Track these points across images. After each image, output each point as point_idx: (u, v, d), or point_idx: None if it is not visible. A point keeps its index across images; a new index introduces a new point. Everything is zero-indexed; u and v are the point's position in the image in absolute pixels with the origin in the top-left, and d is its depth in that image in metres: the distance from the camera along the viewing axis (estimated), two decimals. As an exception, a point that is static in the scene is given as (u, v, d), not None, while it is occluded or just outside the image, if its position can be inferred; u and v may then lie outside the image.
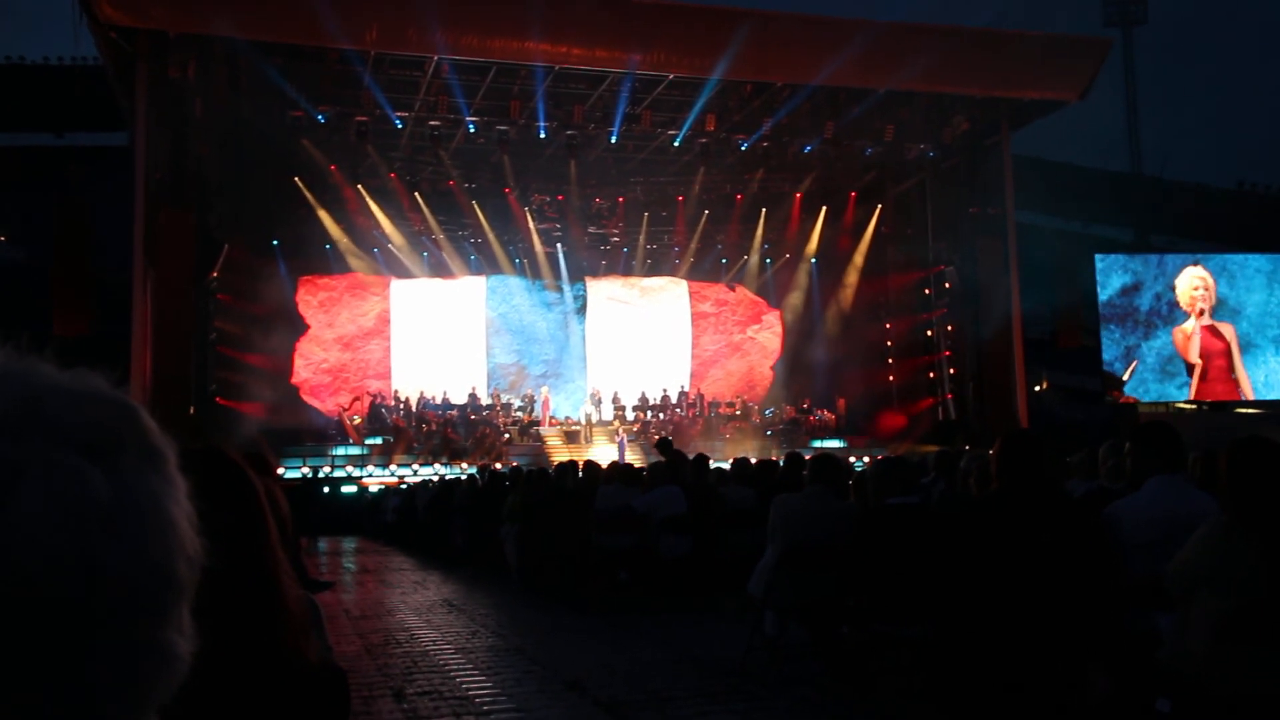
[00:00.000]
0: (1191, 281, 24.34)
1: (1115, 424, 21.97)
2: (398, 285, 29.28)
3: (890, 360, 29.17)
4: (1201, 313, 24.30)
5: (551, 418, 28.22)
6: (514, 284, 30.25)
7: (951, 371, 26.58)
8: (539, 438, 27.11)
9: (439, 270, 29.50)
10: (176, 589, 0.65)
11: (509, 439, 26.49)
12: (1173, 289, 24.40)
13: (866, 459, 19.05)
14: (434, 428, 26.19)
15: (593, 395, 28.68)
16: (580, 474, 11.44)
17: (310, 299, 28.49)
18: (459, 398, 27.75)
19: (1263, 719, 3.17)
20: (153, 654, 0.64)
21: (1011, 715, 3.76)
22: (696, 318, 31.45)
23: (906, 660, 5.46)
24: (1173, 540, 3.59)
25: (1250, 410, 24.61)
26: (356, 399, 27.16)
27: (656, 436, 26.87)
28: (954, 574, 4.09)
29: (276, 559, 1.85)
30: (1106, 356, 24.26)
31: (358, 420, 26.49)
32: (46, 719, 0.60)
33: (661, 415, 28.18)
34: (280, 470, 19.97)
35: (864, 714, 5.35)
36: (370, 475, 23.43)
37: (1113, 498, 4.60)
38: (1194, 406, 24.60)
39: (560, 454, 23.83)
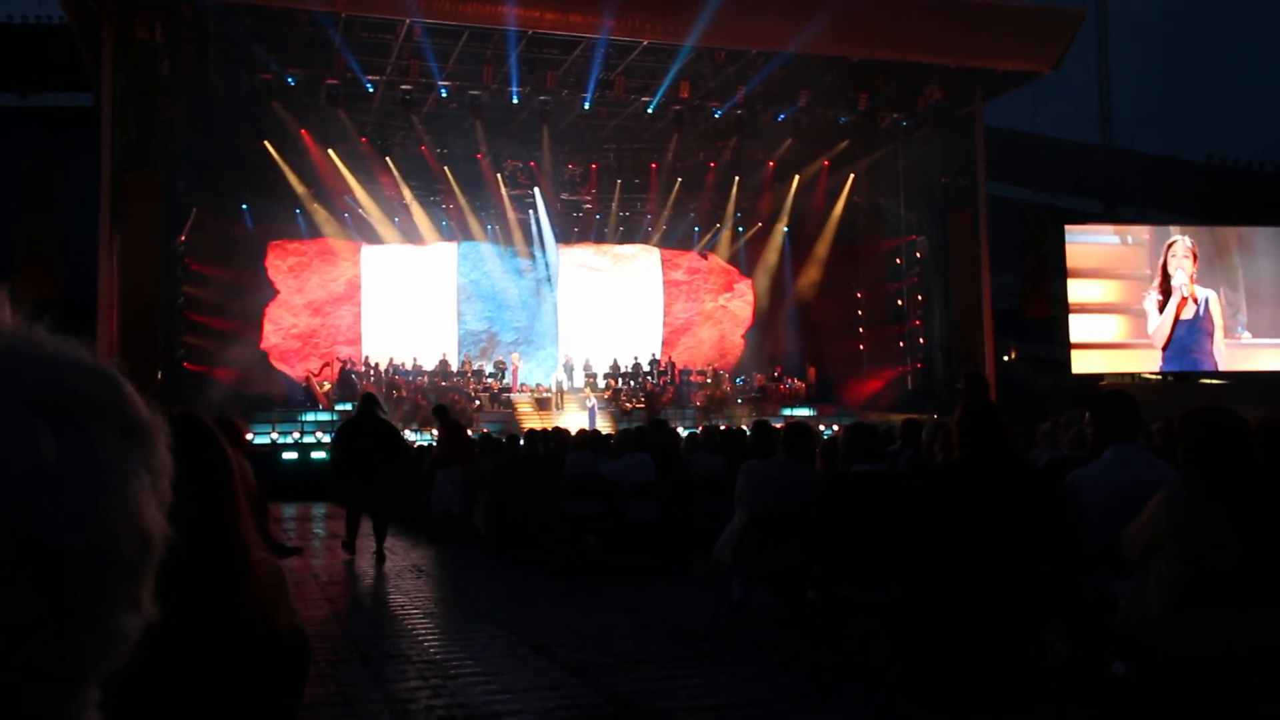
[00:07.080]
0: (1174, 250, 24.47)
1: (1081, 394, 22.16)
2: (368, 251, 29.07)
3: (861, 329, 29.31)
4: (1177, 279, 24.42)
5: (523, 385, 28.23)
6: (485, 250, 30.09)
7: (921, 341, 26.76)
8: (510, 404, 27.11)
9: (410, 236, 29.28)
10: (121, 564, 0.64)
11: (480, 406, 26.46)
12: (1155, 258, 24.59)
13: (835, 427, 19.16)
14: (404, 394, 26.12)
15: (564, 363, 28.70)
16: (549, 441, 11.47)
17: (280, 264, 28.27)
18: (430, 364, 27.69)
19: (1213, 680, 3.25)
20: (90, 627, 0.62)
21: (971, 678, 3.83)
22: (668, 286, 31.44)
23: (871, 625, 5.53)
24: (1131, 507, 3.64)
25: (1214, 381, 24.88)
26: (326, 365, 27.02)
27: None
28: (916, 540, 4.15)
29: (245, 526, 1.86)
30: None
31: (327, 386, 26.36)
32: None
33: (633, 383, 28.22)
34: (250, 436, 19.87)
35: (829, 678, 5.42)
36: (341, 441, 23.23)
37: (1074, 466, 4.66)
38: (1159, 377, 24.85)
39: (531, 421, 23.83)
